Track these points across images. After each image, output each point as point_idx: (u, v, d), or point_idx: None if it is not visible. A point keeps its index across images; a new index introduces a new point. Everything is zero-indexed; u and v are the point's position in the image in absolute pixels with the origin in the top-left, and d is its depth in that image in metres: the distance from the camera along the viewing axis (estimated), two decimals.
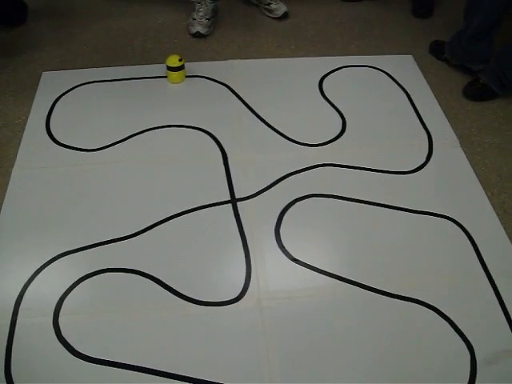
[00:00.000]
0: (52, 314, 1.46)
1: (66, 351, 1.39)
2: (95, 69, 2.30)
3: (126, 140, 1.97)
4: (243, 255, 1.63)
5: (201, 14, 2.50)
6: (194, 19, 2.51)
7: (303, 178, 1.87)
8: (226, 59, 2.39)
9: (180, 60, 2.20)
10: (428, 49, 2.49)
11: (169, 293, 1.53)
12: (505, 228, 1.72)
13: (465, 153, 1.98)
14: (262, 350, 1.41)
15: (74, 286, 1.53)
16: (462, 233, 1.71)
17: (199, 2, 2.49)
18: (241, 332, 1.45)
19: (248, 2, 2.74)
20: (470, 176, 1.89)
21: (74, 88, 2.19)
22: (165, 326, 1.46)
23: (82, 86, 2.20)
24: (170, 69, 2.21)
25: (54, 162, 1.88)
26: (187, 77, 2.26)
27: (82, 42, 2.47)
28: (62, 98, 2.14)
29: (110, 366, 1.37)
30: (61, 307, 1.48)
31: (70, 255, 1.61)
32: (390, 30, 2.63)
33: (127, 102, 2.14)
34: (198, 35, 2.51)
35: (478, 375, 1.38)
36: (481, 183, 1.86)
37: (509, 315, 1.50)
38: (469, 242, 1.68)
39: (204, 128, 2.03)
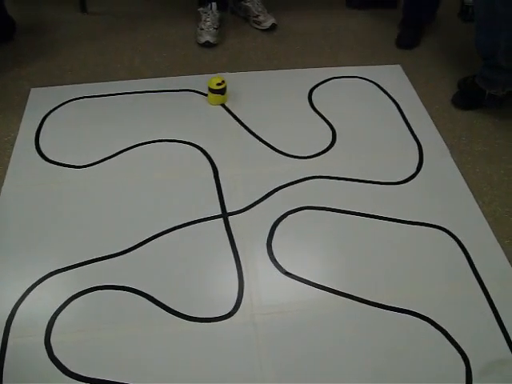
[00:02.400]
0: (44, 333, 1.44)
1: (59, 371, 1.37)
2: (84, 84, 2.29)
3: (115, 156, 1.97)
4: (235, 269, 1.62)
5: (208, 23, 2.53)
6: (202, 29, 2.53)
7: (294, 190, 1.87)
8: (214, 72, 2.38)
9: (219, 84, 2.15)
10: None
11: (161, 309, 1.51)
12: (496, 237, 1.72)
13: (455, 162, 1.98)
14: (256, 364, 1.40)
15: (66, 305, 1.51)
16: (455, 242, 1.70)
17: (206, 12, 2.51)
18: (234, 347, 1.44)
19: (236, 15, 2.75)
20: (460, 185, 1.90)
21: (63, 104, 2.18)
22: (158, 343, 1.44)
23: (71, 102, 2.19)
24: (210, 90, 2.18)
25: (43, 179, 1.87)
26: (176, 91, 2.26)
27: (71, 57, 2.46)
28: (51, 115, 2.14)
29: None
30: (52, 326, 1.46)
31: (61, 273, 1.59)
32: (377, 41, 2.64)
33: (117, 117, 2.13)
34: (207, 45, 2.53)
35: None
36: (472, 192, 1.87)
37: (503, 324, 1.50)
38: (461, 252, 1.68)
39: (194, 142, 2.03)
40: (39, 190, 1.84)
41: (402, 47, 2.60)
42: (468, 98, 2.23)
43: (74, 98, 2.21)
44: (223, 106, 2.20)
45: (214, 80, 2.15)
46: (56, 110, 2.16)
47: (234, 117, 2.14)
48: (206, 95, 2.23)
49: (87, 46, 2.53)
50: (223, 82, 2.15)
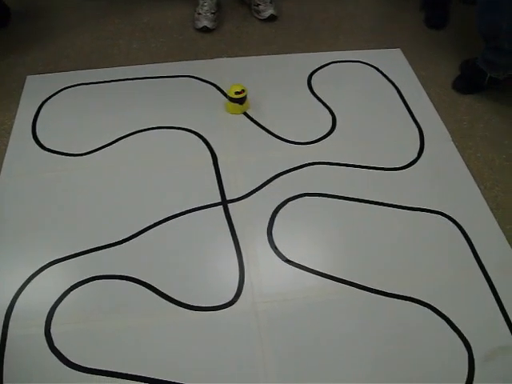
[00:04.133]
0: (44, 324, 1.44)
1: (60, 362, 1.37)
2: (81, 71, 2.26)
3: (114, 143, 1.95)
4: (236, 257, 1.61)
5: (206, 8, 2.49)
6: (200, 14, 2.50)
7: (294, 177, 1.85)
8: (212, 58, 2.36)
9: (238, 92, 2.01)
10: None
11: (162, 299, 1.50)
12: (498, 222, 1.71)
13: (456, 147, 1.96)
14: (258, 352, 1.40)
15: (66, 295, 1.51)
16: (456, 228, 1.69)
17: None
18: (236, 335, 1.43)
19: (241, 0, 2.71)
20: (462, 170, 1.88)
21: (59, 91, 2.16)
22: (159, 333, 1.44)
23: (67, 89, 2.16)
24: (228, 98, 2.05)
25: (41, 168, 1.85)
26: (174, 77, 2.23)
27: (66, 44, 2.43)
28: (47, 102, 2.11)
29: (105, 375, 1.35)
30: (52, 317, 1.46)
31: (60, 263, 1.58)
32: (377, 24, 2.61)
33: (114, 104, 2.11)
34: (204, 29, 2.50)
35: (476, 373, 1.37)
36: (473, 177, 1.85)
37: (505, 311, 1.50)
38: (463, 238, 1.67)
39: (192, 129, 2.00)
40: (37, 179, 1.82)
41: (432, 27, 2.60)
42: (469, 81, 2.21)
43: (71, 85, 2.18)
44: (220, 90, 2.17)
45: (233, 88, 2.01)
46: (53, 98, 2.13)
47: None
48: (204, 81, 2.20)
49: (83, 32, 2.50)
50: (243, 90, 2.00)
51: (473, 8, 2.51)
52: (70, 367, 1.36)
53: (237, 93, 2.00)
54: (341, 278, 1.56)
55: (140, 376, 1.35)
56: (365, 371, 1.38)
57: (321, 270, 1.58)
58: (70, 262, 1.59)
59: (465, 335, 1.44)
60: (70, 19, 2.58)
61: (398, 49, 2.43)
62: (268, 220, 1.71)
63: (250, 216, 1.72)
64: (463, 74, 2.25)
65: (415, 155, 1.93)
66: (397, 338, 1.44)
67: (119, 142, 1.96)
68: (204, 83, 2.21)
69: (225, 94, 2.13)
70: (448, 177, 1.86)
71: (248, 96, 2.05)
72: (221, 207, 1.74)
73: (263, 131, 2.01)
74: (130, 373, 1.36)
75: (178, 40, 2.47)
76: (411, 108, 2.12)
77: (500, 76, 2.09)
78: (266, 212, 1.73)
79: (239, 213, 1.72)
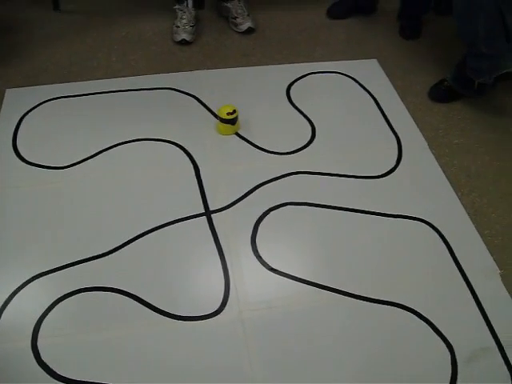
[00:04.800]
0: (30, 338, 1.43)
1: (48, 375, 1.36)
2: (60, 84, 2.27)
3: (96, 156, 1.95)
4: (221, 267, 1.62)
5: (184, 21, 2.51)
6: (178, 27, 2.52)
7: (276, 186, 1.87)
8: (192, 70, 2.38)
9: (230, 113, 1.99)
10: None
11: (148, 309, 1.51)
12: (476, 228, 1.76)
13: (433, 154, 2.01)
14: (245, 361, 1.41)
15: (51, 308, 1.50)
16: (436, 234, 1.73)
17: (182, 10, 2.50)
18: (223, 344, 1.44)
19: (218, 13, 2.74)
20: (439, 177, 1.92)
21: (39, 105, 2.15)
22: (146, 343, 1.44)
23: (47, 103, 2.16)
24: (219, 119, 2.03)
25: (22, 182, 1.85)
26: (154, 89, 2.24)
27: (45, 57, 2.42)
28: (27, 115, 2.10)
29: None
30: (39, 330, 1.45)
31: (45, 276, 1.57)
32: (353, 35, 2.66)
33: (95, 117, 2.11)
34: (183, 42, 2.52)
35: (459, 373, 1.40)
36: (451, 184, 1.90)
37: (485, 313, 1.53)
38: (443, 243, 1.71)
39: (174, 140, 2.02)
40: (19, 193, 1.81)
41: (406, 38, 2.66)
42: (445, 90, 2.26)
43: (51, 99, 2.18)
44: (200, 102, 2.19)
45: (223, 109, 1.99)
46: (33, 111, 2.13)
47: (213, 113, 2.13)
48: (184, 93, 2.22)
49: (62, 46, 2.50)
50: (234, 111, 1.99)
51: (446, 20, 2.60)
52: (57, 380, 1.36)
53: (229, 113, 1.99)
54: (325, 285, 1.58)
55: None
56: (351, 376, 1.40)
57: (305, 278, 1.60)
58: (54, 275, 1.58)
59: (447, 338, 1.47)
60: (48, 32, 2.58)
61: (375, 59, 2.48)
62: (251, 229, 1.72)
63: (233, 226, 1.73)
64: (437, 85, 2.30)
65: (394, 163, 1.97)
66: (381, 343, 1.46)
67: (101, 154, 1.96)
68: (184, 95, 2.22)
69: (205, 106, 2.15)
70: (426, 184, 1.90)
71: (225, 104, 2.05)
72: (204, 218, 1.75)
73: (244, 142, 2.03)
74: (117, 383, 1.36)
75: (157, 53, 2.49)
76: (388, 117, 2.17)
77: (487, 81, 2.14)
78: (249, 222, 1.75)
79: (223, 223, 1.74)
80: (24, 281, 1.55)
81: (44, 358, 1.39)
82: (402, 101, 2.25)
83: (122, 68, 2.37)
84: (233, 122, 2.02)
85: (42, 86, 2.25)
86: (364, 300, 1.55)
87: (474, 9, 1.96)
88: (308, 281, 1.59)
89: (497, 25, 1.92)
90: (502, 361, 1.44)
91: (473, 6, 1.95)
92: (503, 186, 1.92)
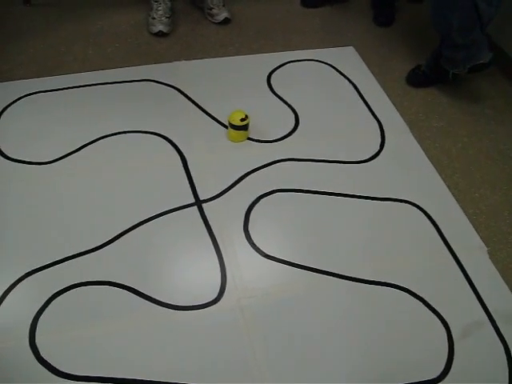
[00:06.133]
0: (28, 336, 1.41)
1: (48, 372, 1.34)
2: (36, 79, 2.22)
3: (79, 150, 1.92)
4: (216, 256, 1.62)
5: (160, 12, 2.49)
6: (154, 18, 2.50)
7: (264, 174, 1.88)
8: (170, 61, 2.37)
9: (243, 119, 1.94)
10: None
11: (146, 301, 1.50)
12: (462, 207, 1.80)
13: (415, 138, 2.05)
14: (247, 348, 1.42)
15: (47, 305, 1.48)
16: (423, 215, 1.77)
17: (157, 1, 2.47)
18: (224, 333, 1.45)
19: (193, 4, 2.73)
20: (422, 160, 1.97)
21: (17, 100, 2.11)
22: (147, 335, 1.44)
23: (26, 97, 2.12)
24: (231, 126, 1.97)
25: (6, 178, 1.81)
26: (133, 81, 2.22)
27: (19, 52, 2.37)
28: (6, 111, 2.06)
29: (96, 381, 1.34)
30: (36, 328, 1.43)
31: (37, 273, 1.55)
32: (328, 23, 2.69)
33: (75, 111, 2.08)
34: (160, 34, 2.50)
35: (455, 348, 1.44)
36: (434, 166, 1.94)
37: (475, 288, 1.58)
38: (430, 224, 1.75)
39: (158, 132, 2.01)
40: (3, 190, 1.78)
41: (380, 25, 2.70)
42: (422, 76, 2.30)
43: (29, 93, 2.14)
44: (181, 92, 2.18)
45: (236, 116, 1.94)
46: (11, 107, 2.08)
47: (197, 105, 2.13)
48: (164, 84, 2.21)
49: (35, 40, 2.45)
50: (247, 116, 1.94)
51: (419, 7, 2.64)
52: (59, 376, 1.34)
53: (242, 119, 1.94)
54: (319, 268, 1.61)
55: (130, 379, 1.35)
56: (352, 357, 1.42)
57: (300, 263, 1.62)
58: (47, 271, 1.56)
59: (441, 314, 1.51)
60: (20, 27, 2.53)
61: (351, 47, 2.51)
62: (243, 217, 1.73)
63: (225, 215, 1.74)
64: (415, 70, 2.34)
65: (378, 148, 2.00)
66: (379, 322, 1.49)
67: (84, 148, 1.93)
68: (165, 86, 2.21)
69: (187, 96, 2.15)
70: (410, 167, 1.94)
71: (211, 97, 2.05)
72: (195, 208, 1.75)
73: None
74: (120, 377, 1.35)
75: (133, 45, 2.46)
76: (369, 103, 2.20)
77: (461, 71, 2.17)
78: (240, 210, 1.76)
79: (214, 212, 1.74)
80: (15, 279, 1.52)
81: (43, 354, 1.38)
82: (381, 86, 2.29)
83: (99, 61, 2.34)
84: (246, 127, 1.98)
85: (18, 81, 2.21)
86: (358, 281, 1.58)
87: (448, 1, 1.99)
88: (302, 265, 1.61)
89: (471, 15, 1.97)
90: (494, 334, 1.48)
91: None
92: (483, 166, 1.98)
